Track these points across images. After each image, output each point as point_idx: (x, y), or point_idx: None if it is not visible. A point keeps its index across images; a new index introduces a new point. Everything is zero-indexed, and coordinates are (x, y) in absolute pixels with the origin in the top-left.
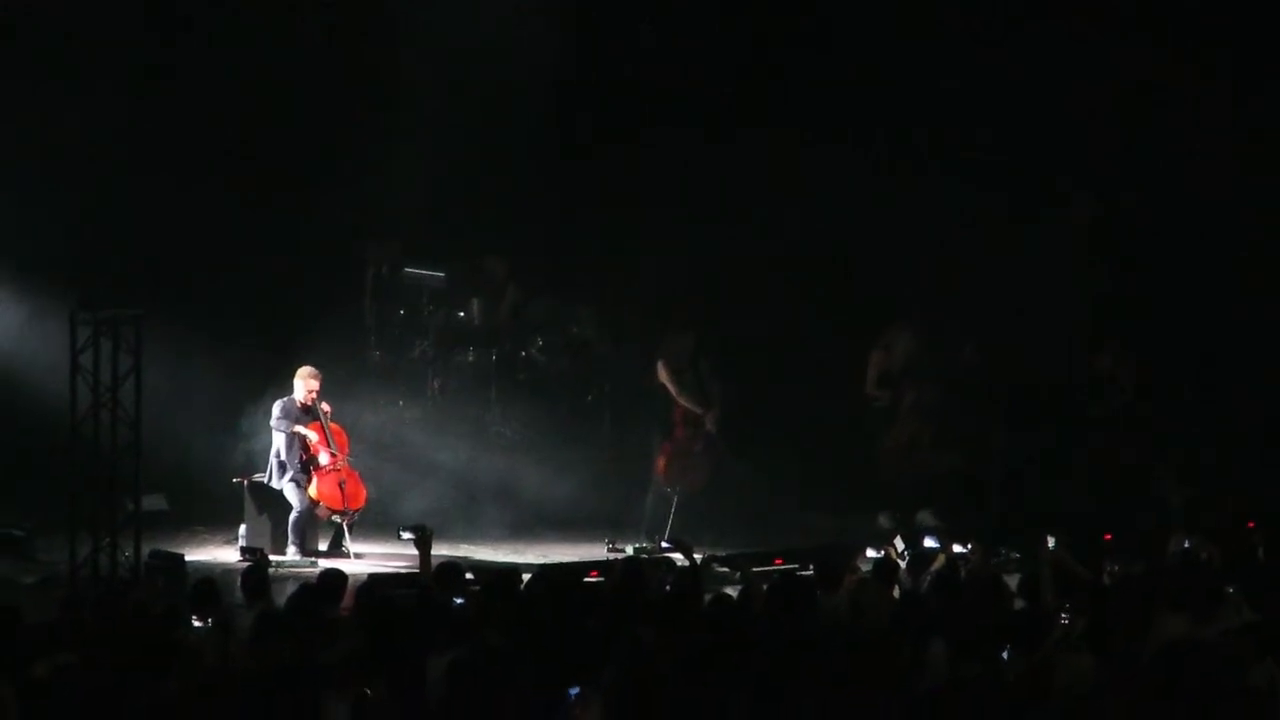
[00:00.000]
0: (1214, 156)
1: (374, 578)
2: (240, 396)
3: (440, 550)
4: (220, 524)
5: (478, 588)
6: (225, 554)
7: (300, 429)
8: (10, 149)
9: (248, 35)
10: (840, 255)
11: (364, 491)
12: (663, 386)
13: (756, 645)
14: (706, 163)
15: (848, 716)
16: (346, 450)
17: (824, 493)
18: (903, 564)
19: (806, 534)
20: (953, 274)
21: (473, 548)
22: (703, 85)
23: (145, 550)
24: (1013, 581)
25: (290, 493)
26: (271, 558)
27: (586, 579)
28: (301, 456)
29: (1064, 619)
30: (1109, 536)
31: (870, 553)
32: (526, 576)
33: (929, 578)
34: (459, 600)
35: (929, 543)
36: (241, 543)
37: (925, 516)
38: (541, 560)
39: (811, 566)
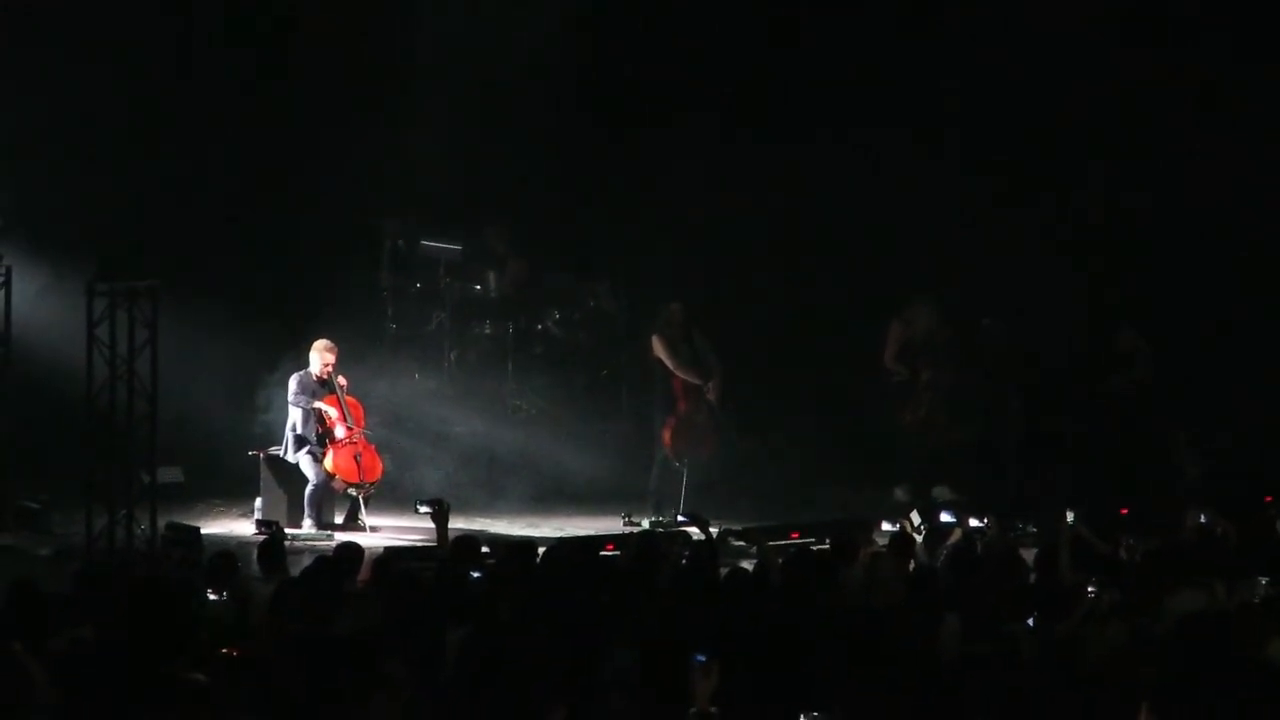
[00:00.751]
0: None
1: (390, 550)
2: (256, 369)
3: (456, 523)
4: (236, 497)
5: (492, 561)
6: (241, 527)
7: (320, 404)
8: (27, 121)
9: (266, 8)
10: (857, 230)
11: (380, 464)
12: (659, 361)
13: (772, 619)
14: (725, 138)
15: (862, 691)
16: (363, 423)
17: (840, 466)
18: (919, 538)
19: (822, 508)
20: (970, 250)
21: (489, 521)
22: (724, 62)
23: (161, 523)
24: (1029, 556)
25: (306, 466)
26: (287, 530)
27: (603, 552)
28: (318, 429)
29: (1090, 592)
30: (1125, 511)
31: (886, 526)
32: (542, 550)
33: (945, 552)
34: (476, 574)
35: (945, 517)
36: (257, 515)
37: (942, 491)
38: (558, 534)
39: (827, 540)
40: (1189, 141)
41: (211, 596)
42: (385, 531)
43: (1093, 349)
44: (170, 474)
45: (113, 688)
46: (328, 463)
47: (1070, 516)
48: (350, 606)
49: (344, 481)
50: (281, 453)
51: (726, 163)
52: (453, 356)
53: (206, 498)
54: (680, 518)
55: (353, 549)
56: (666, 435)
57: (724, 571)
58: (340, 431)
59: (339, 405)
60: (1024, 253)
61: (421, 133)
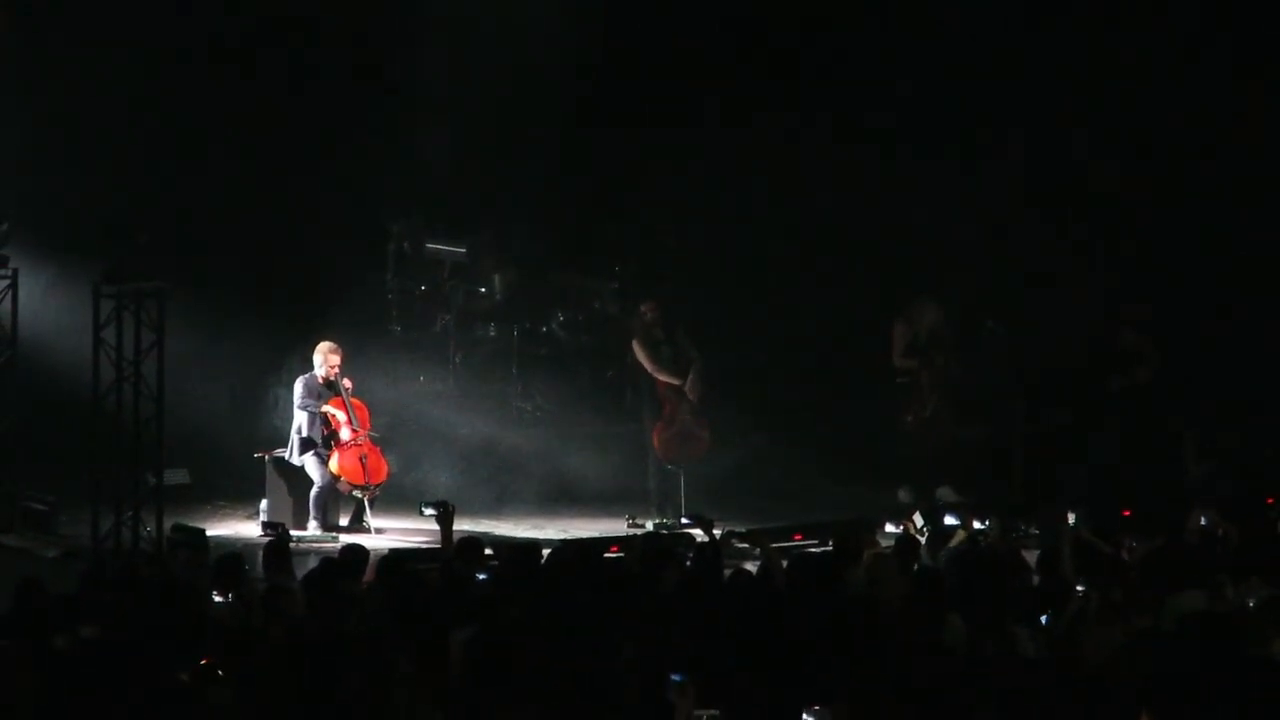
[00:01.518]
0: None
1: (395, 552)
2: (262, 371)
3: (461, 525)
4: (242, 499)
5: (497, 563)
6: (247, 529)
7: (328, 408)
8: (34, 121)
9: (272, 7)
10: (862, 230)
11: (385, 466)
12: (640, 365)
13: (776, 620)
14: (730, 138)
15: (865, 691)
16: (368, 425)
17: (844, 467)
18: (922, 539)
19: (826, 509)
20: (972, 249)
21: (494, 523)
22: (725, 64)
23: (167, 524)
24: (1032, 557)
25: (312, 467)
26: (293, 533)
27: (607, 554)
28: (323, 431)
29: (1079, 590)
30: (1128, 512)
31: (889, 527)
32: (547, 552)
33: (948, 553)
34: (481, 576)
35: (948, 519)
36: (263, 517)
37: (945, 492)
38: (562, 536)
39: (831, 542)
40: (1195, 140)
41: (218, 599)
42: (390, 533)
43: (1096, 349)
44: (176, 476)
45: (116, 688)
46: (333, 464)
47: (1072, 518)
48: (355, 608)
49: (349, 483)
50: (287, 455)
51: (731, 163)
52: (458, 358)
53: (212, 499)
54: (684, 519)
55: (358, 551)
56: (656, 439)
57: (727, 573)
58: (346, 433)
59: (344, 407)
60: (1027, 253)
61: (427, 134)
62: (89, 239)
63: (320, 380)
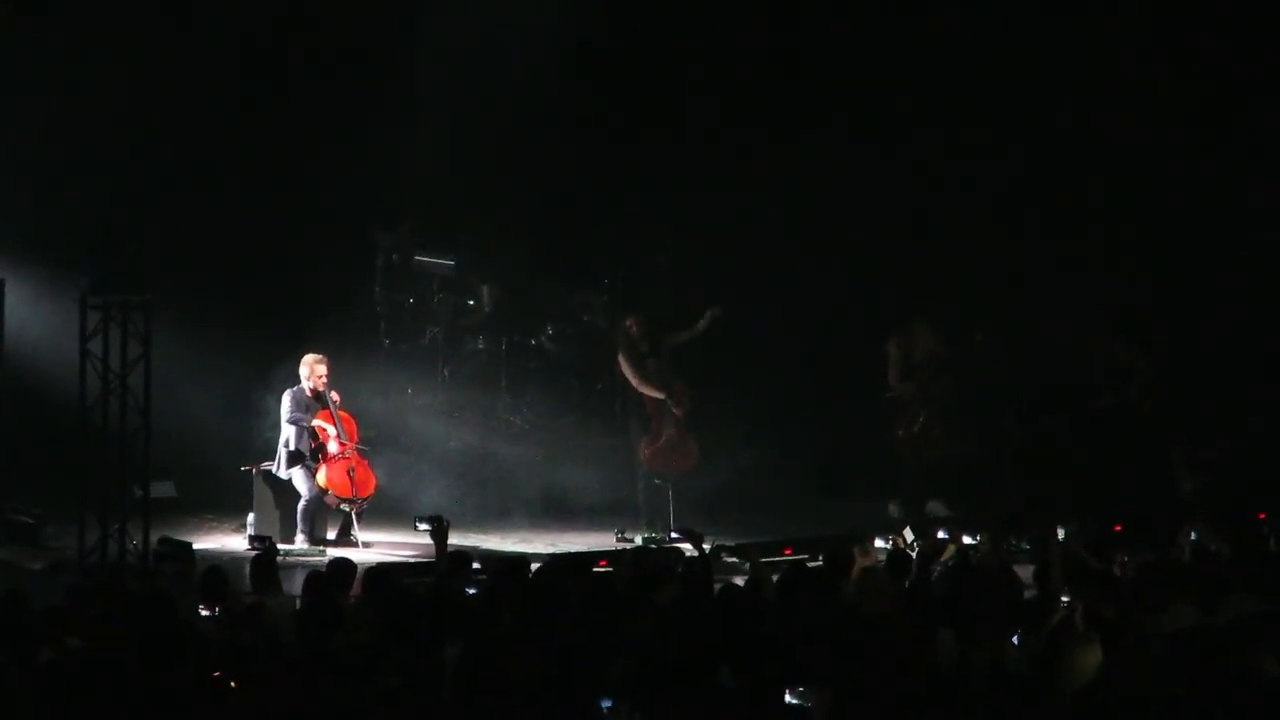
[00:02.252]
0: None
1: (382, 565)
2: (250, 384)
3: (448, 539)
4: (229, 512)
5: (484, 577)
6: (234, 542)
7: (318, 421)
8: (21, 133)
9: (259, 20)
10: (853, 245)
11: (373, 479)
12: (626, 379)
13: (765, 635)
14: (722, 152)
15: (856, 705)
16: (356, 438)
17: (834, 482)
18: (912, 554)
19: (816, 523)
20: (964, 264)
21: (482, 536)
22: (715, 77)
23: (154, 537)
24: (1023, 572)
25: (299, 480)
26: (280, 546)
27: (596, 568)
28: (311, 444)
29: (1064, 601)
30: (1119, 527)
31: (879, 542)
32: (535, 566)
33: (938, 568)
34: (472, 590)
35: (938, 534)
36: (250, 531)
37: (935, 507)
38: (550, 549)
39: (821, 556)
40: (1185, 154)
41: (204, 612)
42: (378, 547)
43: (1089, 364)
44: (163, 488)
45: (101, 701)
46: (321, 478)
47: (1062, 532)
48: (343, 622)
49: (337, 496)
50: (274, 468)
51: (722, 177)
52: (446, 371)
53: (199, 512)
54: (674, 534)
55: (345, 564)
56: (644, 453)
57: (717, 587)
58: (333, 446)
59: (332, 420)
60: (1018, 267)
61: (416, 148)
62: (76, 251)
63: (308, 393)
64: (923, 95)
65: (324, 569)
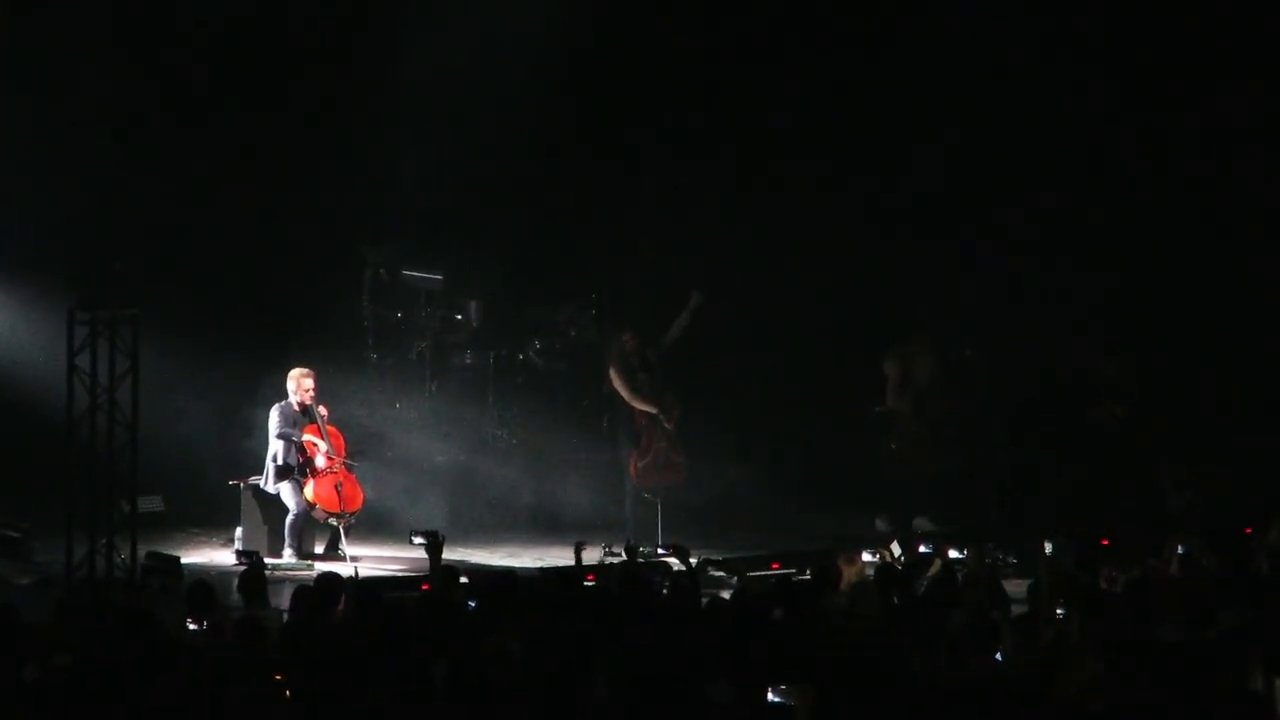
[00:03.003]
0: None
1: (369, 580)
2: (237, 398)
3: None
4: (217, 526)
5: (472, 592)
6: (222, 556)
7: (308, 436)
8: (7, 146)
9: (247, 32)
10: (841, 260)
11: (361, 494)
12: (617, 393)
13: (750, 648)
14: (710, 168)
15: (837, 707)
16: (343, 453)
17: (821, 497)
18: (899, 568)
19: (803, 538)
20: (952, 281)
21: (469, 551)
22: (709, 88)
23: (141, 552)
24: (1011, 587)
25: (287, 495)
26: (268, 560)
27: (584, 583)
28: (299, 459)
29: (1059, 614)
30: (1106, 542)
31: (867, 556)
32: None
33: (924, 583)
34: (471, 604)
35: (924, 549)
36: (238, 545)
37: (922, 522)
38: (538, 564)
39: (808, 570)
40: (1172, 170)
41: (191, 626)
42: (366, 561)
43: (1076, 379)
44: (151, 503)
45: (88, 715)
46: (308, 492)
47: (1049, 547)
48: (332, 637)
49: (325, 511)
50: (262, 483)
51: (711, 192)
52: (433, 386)
53: (187, 527)
54: (660, 550)
55: (334, 579)
56: (632, 468)
57: (704, 601)
58: (321, 461)
59: (320, 434)
60: (1007, 283)
61: (403, 162)
62: (64, 265)
63: (295, 407)
64: (921, 99)
65: (312, 583)
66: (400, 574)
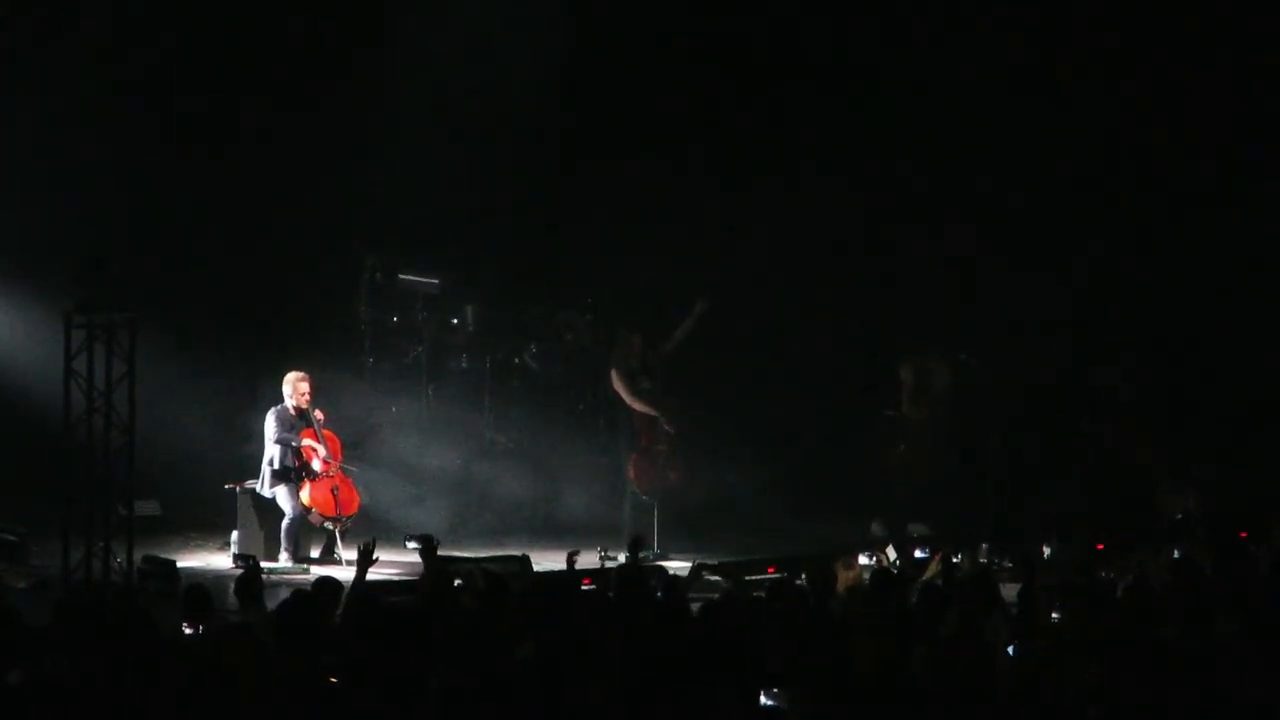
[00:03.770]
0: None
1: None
2: (234, 402)
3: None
4: (213, 530)
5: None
6: (218, 560)
7: (306, 441)
8: (4, 150)
9: (241, 37)
10: (837, 265)
11: (357, 498)
12: (618, 395)
13: (746, 653)
14: (705, 170)
15: (830, 709)
16: (339, 457)
17: (820, 501)
18: (895, 572)
19: (800, 542)
20: (949, 287)
21: (465, 554)
22: (704, 94)
23: (138, 555)
24: (1007, 590)
25: (283, 499)
26: (264, 564)
27: (580, 587)
28: (295, 463)
29: (1054, 617)
30: (1101, 546)
31: (863, 559)
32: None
33: (919, 587)
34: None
35: (919, 553)
36: (234, 549)
37: (917, 526)
38: (535, 568)
39: (804, 575)
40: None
41: (187, 630)
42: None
43: (1073, 382)
44: (147, 507)
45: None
46: (304, 496)
47: (1047, 551)
48: (329, 641)
49: (321, 515)
50: (258, 487)
51: (707, 195)
52: (430, 389)
53: (183, 531)
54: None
55: (332, 584)
56: (631, 470)
57: (698, 606)
58: (317, 465)
59: (316, 438)
60: (998, 287)
61: (400, 166)
62: (61, 269)
63: (292, 411)
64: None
65: (309, 588)
66: (396, 578)
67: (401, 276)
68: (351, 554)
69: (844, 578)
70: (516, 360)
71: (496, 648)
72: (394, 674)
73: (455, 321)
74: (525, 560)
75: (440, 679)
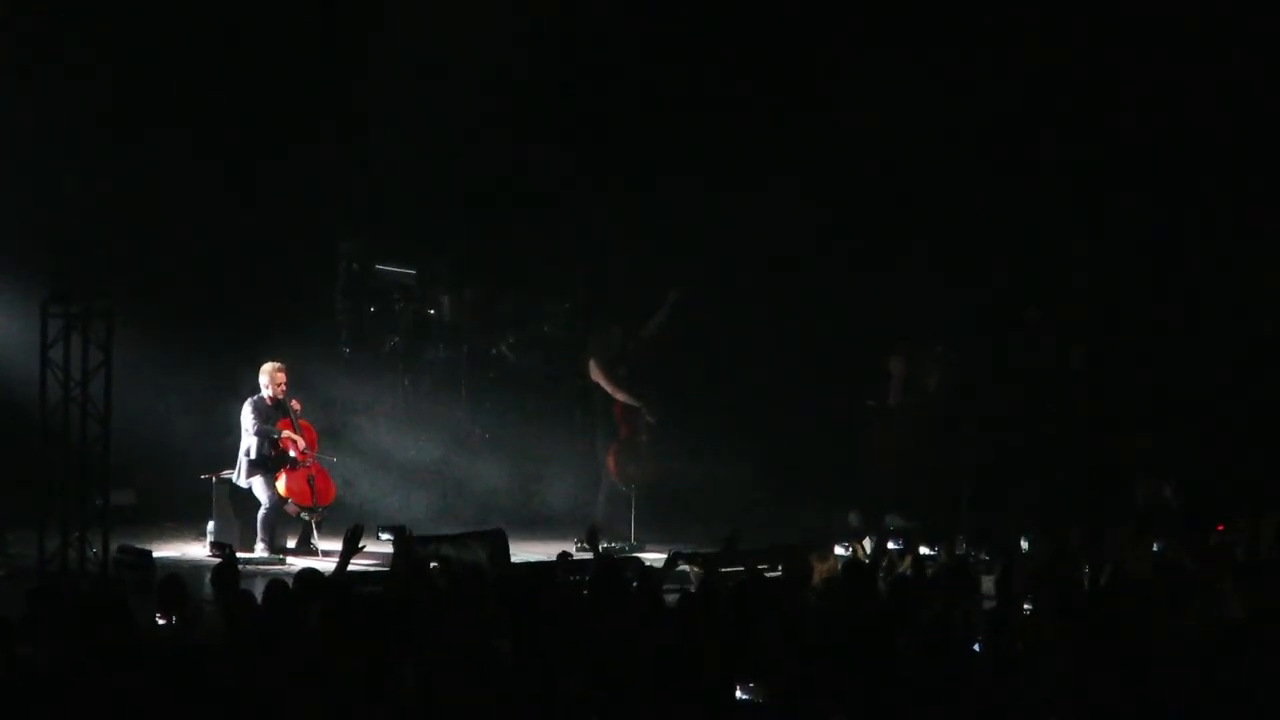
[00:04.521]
0: None
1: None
2: (209, 392)
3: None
4: (189, 520)
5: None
6: (194, 550)
7: (287, 433)
8: None
9: (221, 28)
10: (819, 257)
11: (333, 488)
12: (598, 385)
13: (721, 644)
14: (680, 160)
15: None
16: (316, 447)
17: (795, 491)
18: (867, 563)
19: (776, 533)
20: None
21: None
22: (675, 84)
23: (114, 545)
24: (986, 582)
25: (259, 489)
26: (240, 554)
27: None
28: (271, 453)
29: (1026, 608)
30: (1079, 538)
31: (839, 550)
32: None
33: (892, 579)
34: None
35: (892, 545)
36: (210, 539)
37: (894, 518)
38: (512, 559)
39: (779, 566)
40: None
41: (160, 620)
42: (338, 555)
43: (1046, 377)
44: (123, 496)
45: (58, 708)
46: (281, 486)
47: (1025, 544)
48: (306, 631)
49: (297, 505)
50: (234, 477)
51: (681, 185)
52: (407, 380)
53: (159, 521)
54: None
55: (312, 575)
56: (610, 461)
57: (674, 598)
58: (293, 454)
59: (292, 428)
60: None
61: (376, 156)
62: (37, 258)
63: (268, 401)
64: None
65: (288, 578)
66: (373, 569)
67: (378, 267)
68: (327, 545)
69: (820, 569)
70: (493, 351)
71: (472, 639)
72: (369, 664)
73: (432, 312)
74: (500, 535)
75: (416, 669)
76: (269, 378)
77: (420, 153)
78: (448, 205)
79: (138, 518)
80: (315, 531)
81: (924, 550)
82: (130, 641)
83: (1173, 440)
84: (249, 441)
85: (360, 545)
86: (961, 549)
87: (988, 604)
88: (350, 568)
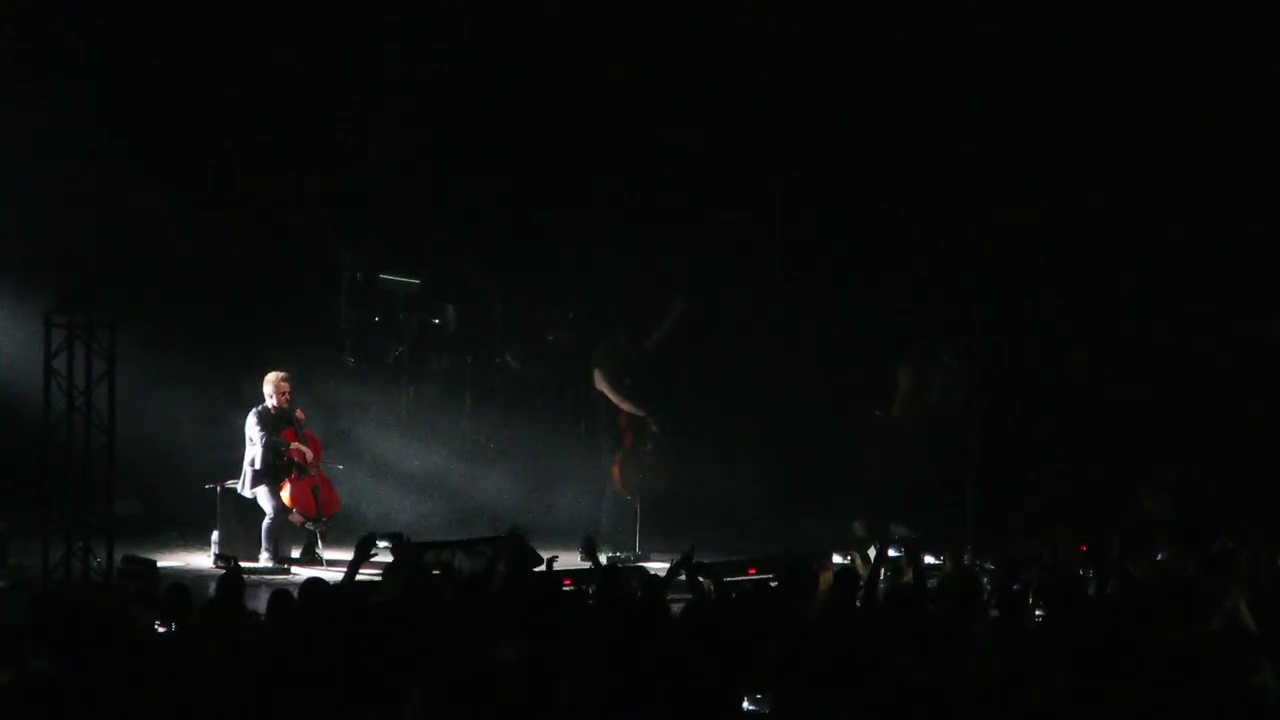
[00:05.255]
0: None
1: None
2: (214, 402)
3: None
4: (193, 530)
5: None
6: (198, 560)
7: (296, 445)
8: None
9: (225, 38)
10: (820, 263)
11: (337, 498)
12: (601, 394)
13: (727, 653)
14: (688, 168)
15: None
16: (320, 456)
17: (800, 501)
18: (863, 573)
19: (782, 542)
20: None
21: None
22: (681, 88)
23: (118, 555)
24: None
25: (264, 499)
26: (245, 564)
27: (561, 588)
28: (276, 463)
29: (1039, 616)
30: (1085, 548)
31: (836, 558)
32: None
33: (892, 588)
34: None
35: (893, 553)
36: (215, 549)
37: (899, 527)
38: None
39: (786, 575)
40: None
41: (160, 629)
42: (342, 565)
43: (1048, 380)
44: (128, 506)
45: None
46: (285, 496)
47: (1030, 553)
48: (310, 641)
49: (302, 515)
50: (239, 486)
51: (687, 195)
52: (411, 390)
53: (164, 530)
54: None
55: (319, 585)
56: (615, 470)
57: (679, 607)
58: (299, 465)
59: (297, 438)
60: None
61: (381, 166)
62: (40, 268)
63: (272, 410)
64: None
65: (293, 589)
66: (377, 578)
67: (382, 276)
68: (331, 554)
69: (825, 578)
70: (498, 360)
71: (476, 648)
72: (373, 673)
73: (436, 321)
74: (514, 538)
75: (420, 679)
76: (273, 387)
77: (425, 162)
78: (452, 214)
79: (143, 527)
80: (320, 541)
81: (929, 559)
82: (130, 650)
83: (1174, 450)
84: (253, 451)
85: (372, 554)
86: (968, 559)
87: (993, 614)
88: (358, 577)
